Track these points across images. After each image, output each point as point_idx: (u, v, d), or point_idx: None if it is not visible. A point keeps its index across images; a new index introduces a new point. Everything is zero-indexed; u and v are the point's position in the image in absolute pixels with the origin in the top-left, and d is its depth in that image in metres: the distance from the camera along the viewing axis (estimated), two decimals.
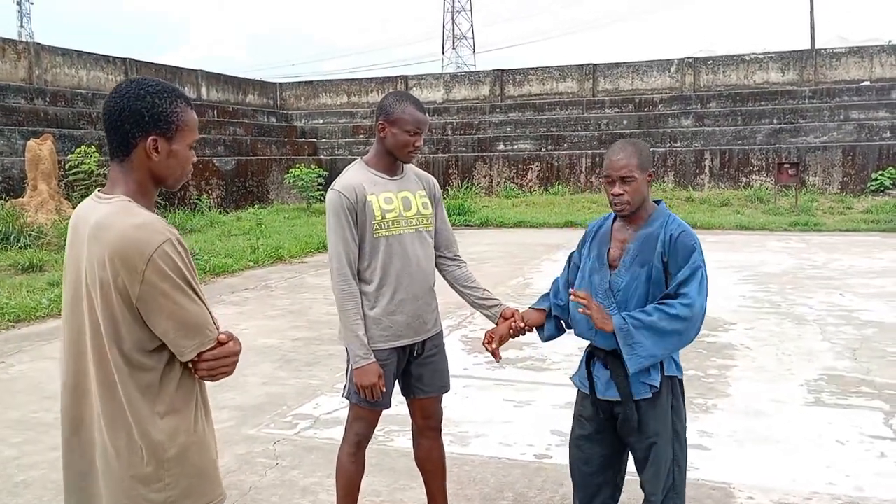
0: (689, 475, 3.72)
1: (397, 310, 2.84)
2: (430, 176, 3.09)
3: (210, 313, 1.71)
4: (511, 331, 2.86)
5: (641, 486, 2.63)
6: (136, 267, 1.59)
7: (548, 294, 2.89)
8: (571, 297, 2.56)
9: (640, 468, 2.62)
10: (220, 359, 1.70)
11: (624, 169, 2.50)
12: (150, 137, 1.69)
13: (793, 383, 5.23)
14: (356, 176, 2.84)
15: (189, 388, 1.73)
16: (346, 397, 2.93)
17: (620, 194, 2.52)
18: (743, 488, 3.61)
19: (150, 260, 1.59)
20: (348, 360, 2.88)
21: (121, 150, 1.70)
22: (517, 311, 2.91)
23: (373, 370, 2.77)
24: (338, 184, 2.83)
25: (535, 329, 2.88)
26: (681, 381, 2.64)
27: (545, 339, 2.90)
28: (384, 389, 2.83)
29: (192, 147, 1.78)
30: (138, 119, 1.67)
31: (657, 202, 2.64)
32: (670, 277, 2.50)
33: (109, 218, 1.65)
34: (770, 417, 4.56)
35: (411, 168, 3.01)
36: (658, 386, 2.52)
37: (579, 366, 2.77)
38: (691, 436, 4.25)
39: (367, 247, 2.81)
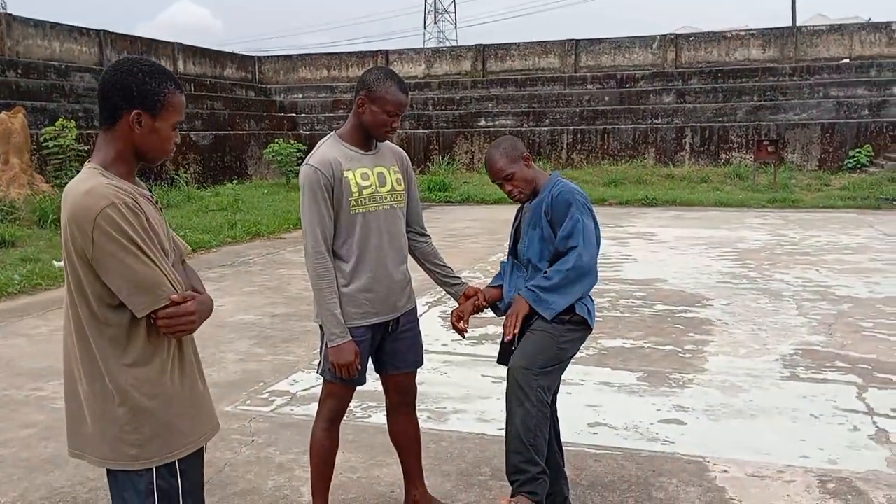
0: (665, 449, 3.78)
1: (373, 286, 2.80)
2: (402, 151, 3.05)
3: (166, 274, 1.80)
4: (474, 308, 3.05)
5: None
6: (85, 230, 1.73)
7: (501, 273, 3.13)
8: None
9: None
10: (174, 318, 1.80)
11: (499, 173, 2.88)
12: (135, 111, 1.82)
13: (768, 358, 5.28)
14: (331, 151, 2.77)
15: (157, 343, 1.84)
16: (321, 374, 2.90)
17: (510, 191, 2.91)
18: (718, 462, 3.63)
19: (95, 223, 1.72)
20: (322, 337, 2.85)
21: (108, 120, 1.85)
22: (479, 289, 3.10)
23: (349, 349, 2.74)
24: (312, 159, 2.76)
25: (490, 306, 3.10)
26: (584, 323, 2.83)
27: (501, 314, 3.05)
28: (360, 367, 2.80)
29: (175, 128, 1.90)
30: (127, 93, 1.82)
31: (552, 173, 2.95)
32: (558, 234, 2.79)
33: (71, 185, 1.82)
34: (745, 392, 4.60)
35: (385, 142, 2.96)
36: (556, 316, 2.77)
37: None
38: (667, 411, 4.31)
39: (343, 223, 2.76)
